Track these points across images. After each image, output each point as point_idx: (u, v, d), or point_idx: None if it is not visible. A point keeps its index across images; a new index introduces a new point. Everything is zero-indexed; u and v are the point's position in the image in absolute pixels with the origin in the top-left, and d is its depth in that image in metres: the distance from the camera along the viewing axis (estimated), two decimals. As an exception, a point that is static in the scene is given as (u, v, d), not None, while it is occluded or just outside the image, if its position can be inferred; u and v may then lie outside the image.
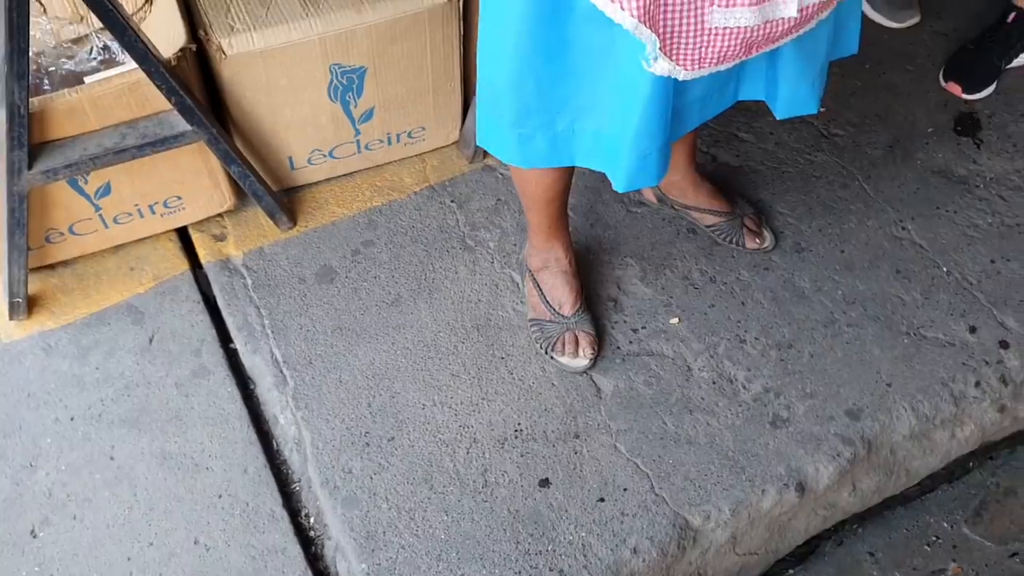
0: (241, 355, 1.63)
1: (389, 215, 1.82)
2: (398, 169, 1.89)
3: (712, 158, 1.91)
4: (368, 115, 1.78)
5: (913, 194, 1.86)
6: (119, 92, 1.51)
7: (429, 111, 1.83)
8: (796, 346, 1.63)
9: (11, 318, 1.63)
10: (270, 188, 1.72)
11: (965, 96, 2.01)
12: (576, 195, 1.82)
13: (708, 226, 1.77)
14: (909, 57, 2.11)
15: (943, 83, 2.04)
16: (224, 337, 1.65)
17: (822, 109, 1.99)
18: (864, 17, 2.19)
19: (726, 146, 1.93)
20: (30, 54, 1.38)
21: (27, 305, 1.62)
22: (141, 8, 1.64)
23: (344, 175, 1.87)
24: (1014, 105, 2.01)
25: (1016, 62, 2.05)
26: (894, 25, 2.16)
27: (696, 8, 1.04)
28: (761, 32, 1.08)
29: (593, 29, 1.12)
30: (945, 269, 1.74)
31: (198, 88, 1.60)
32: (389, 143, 1.85)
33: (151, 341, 1.62)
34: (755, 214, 1.78)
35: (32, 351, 1.61)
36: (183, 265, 1.72)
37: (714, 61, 1.10)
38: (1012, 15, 1.99)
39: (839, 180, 1.88)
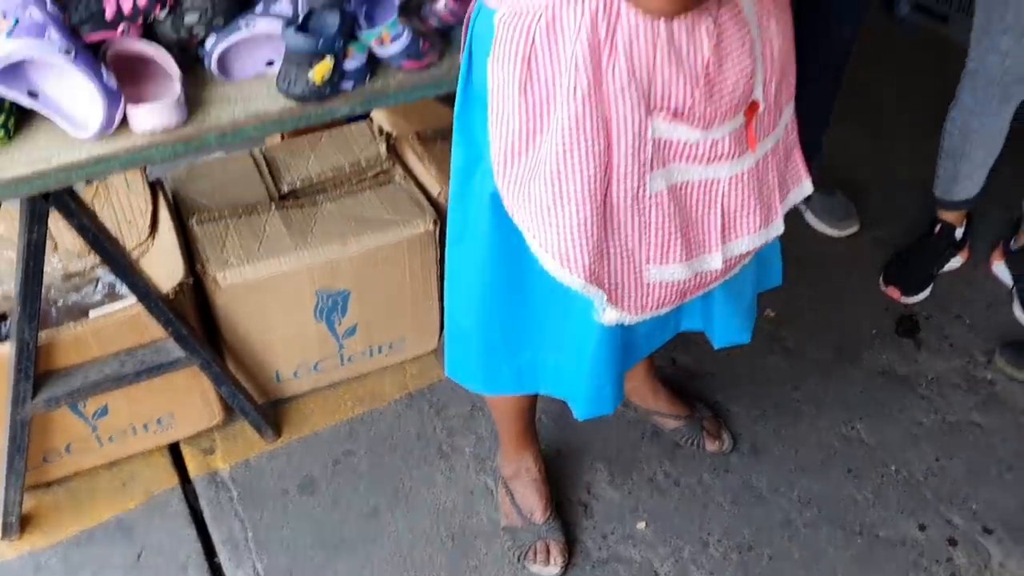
0: (225, 569, 1.68)
1: (369, 424, 1.92)
2: (379, 377, 2.01)
3: (672, 361, 2.05)
4: (351, 331, 1.91)
5: (860, 394, 1.99)
6: (120, 323, 1.64)
7: (409, 324, 1.97)
8: (756, 548, 1.71)
9: (3, 537, 1.69)
10: (257, 404, 1.83)
11: (904, 299, 2.18)
12: (547, 400, 1.93)
13: (671, 429, 1.88)
14: (852, 263, 2.30)
15: (883, 287, 2.21)
16: (209, 550, 1.71)
17: (771, 314, 2.15)
18: (807, 225, 2.40)
19: (684, 350, 2.07)
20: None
21: (20, 524, 1.69)
22: (143, 243, 1.80)
23: (328, 385, 1.99)
24: (948, 307, 2.17)
25: (947, 267, 2.23)
26: (835, 233, 2.35)
27: (635, 267, 1.19)
28: (693, 282, 1.23)
29: (549, 282, 1.26)
30: (894, 467, 1.85)
31: (193, 314, 1.74)
32: (371, 354, 1.98)
33: (139, 557, 1.68)
34: (713, 417, 1.90)
35: (22, 571, 1.66)
36: (173, 480, 1.81)
37: (654, 307, 1.24)
38: (938, 227, 2.19)
39: (791, 382, 2.01)
